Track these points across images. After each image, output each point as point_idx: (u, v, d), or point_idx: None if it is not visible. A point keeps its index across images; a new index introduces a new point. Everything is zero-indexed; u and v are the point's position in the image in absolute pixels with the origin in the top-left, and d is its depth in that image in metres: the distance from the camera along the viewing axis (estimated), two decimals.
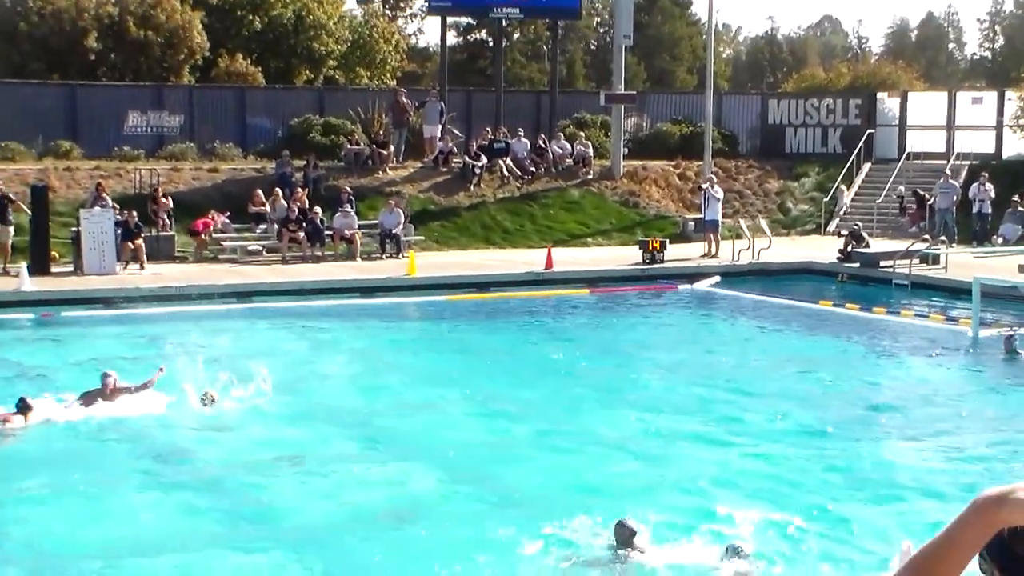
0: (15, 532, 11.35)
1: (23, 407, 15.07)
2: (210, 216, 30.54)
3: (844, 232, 32.00)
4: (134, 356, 19.12)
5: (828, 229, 37.29)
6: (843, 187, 38.71)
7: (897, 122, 41.60)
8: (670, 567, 10.38)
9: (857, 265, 29.32)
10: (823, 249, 32.03)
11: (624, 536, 10.64)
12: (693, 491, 12.35)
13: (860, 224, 32.16)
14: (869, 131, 40.71)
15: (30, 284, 24.78)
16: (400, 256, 30.52)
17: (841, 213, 38.04)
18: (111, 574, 10.22)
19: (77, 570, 10.27)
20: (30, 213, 27.76)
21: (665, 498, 12.11)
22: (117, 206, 28.91)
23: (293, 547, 10.87)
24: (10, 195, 28.23)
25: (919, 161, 38.84)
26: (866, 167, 40.24)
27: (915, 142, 39.94)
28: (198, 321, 23.31)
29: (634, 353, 21.05)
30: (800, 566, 10.37)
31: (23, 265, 25.71)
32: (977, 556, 3.51)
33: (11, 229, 27.80)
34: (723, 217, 33.29)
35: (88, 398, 15.44)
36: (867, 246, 30.36)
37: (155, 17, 45.57)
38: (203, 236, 29.96)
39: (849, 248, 30.11)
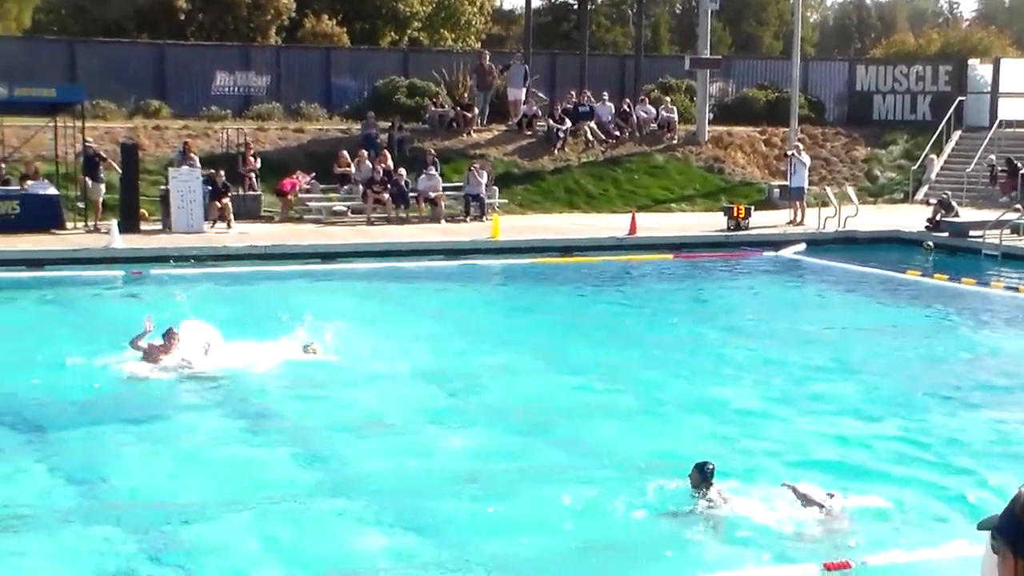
0: (113, 476, 11.55)
1: (169, 337, 15.60)
2: (296, 176, 30.77)
3: (932, 201, 31.56)
4: (221, 313, 19.32)
5: (916, 198, 36.84)
6: (932, 155, 38.19)
7: (989, 89, 40.99)
8: (750, 516, 10.43)
9: (946, 234, 28.93)
10: (911, 218, 31.63)
11: (697, 479, 10.74)
12: (774, 456, 12.27)
13: (949, 193, 31.71)
14: (960, 98, 40.15)
15: (120, 241, 25.13)
16: (484, 219, 30.58)
17: (930, 182, 37.54)
18: (197, 524, 10.36)
19: (165, 518, 10.42)
20: (120, 171, 28.13)
21: (744, 461, 12.05)
22: (201, 165, 29.20)
23: (375, 506, 10.95)
24: (102, 153, 28.64)
25: (1011, 129, 38.26)
26: (956, 135, 39.68)
27: (1007, 110, 39.33)
28: (283, 280, 23.54)
29: (716, 319, 20.94)
30: (881, 536, 10.29)
31: (114, 222, 26.08)
32: (988, 535, 3.47)
33: (102, 187, 28.23)
34: (809, 184, 32.99)
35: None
36: (956, 215, 29.94)
37: None
38: (289, 196, 30.20)
39: (938, 217, 29.71)
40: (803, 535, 10.28)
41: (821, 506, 10.56)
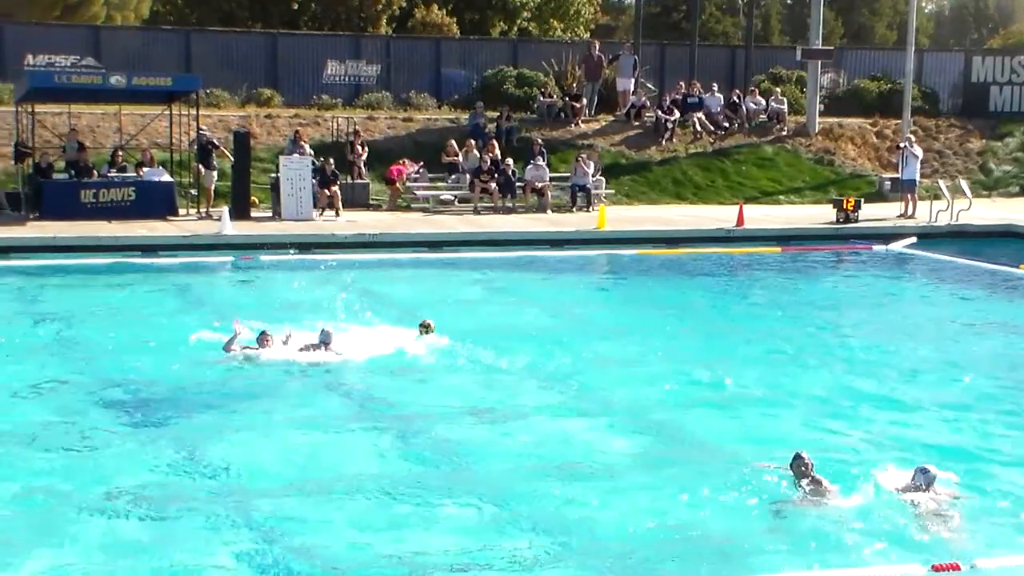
0: (217, 460, 11.77)
1: (262, 340, 15.65)
2: (402, 163, 30.97)
3: None
4: (329, 301, 19.55)
5: None
6: None
7: None
8: (852, 509, 10.41)
9: None
10: None
11: (799, 469, 10.73)
12: (880, 450, 12.13)
13: None
14: None
15: (231, 228, 25.52)
16: (590, 209, 30.56)
17: None
18: (297, 512, 10.50)
19: (268, 504, 10.59)
20: (232, 159, 28.57)
21: (849, 454, 11.93)
22: (312, 152, 29.54)
23: (476, 495, 11.01)
24: (214, 140, 29.11)
25: None
26: None
27: None
28: (392, 269, 23.76)
29: (823, 313, 20.72)
30: (992, 537, 10.14)
31: (225, 209, 26.49)
32: None
33: (215, 174, 28.72)
34: (921, 177, 32.49)
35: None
36: None
37: None
38: (396, 184, 30.41)
39: None
40: (910, 531, 10.16)
41: (924, 489, 10.48)
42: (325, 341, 15.72)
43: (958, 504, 10.59)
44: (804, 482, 10.71)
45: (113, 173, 27.78)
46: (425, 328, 16.58)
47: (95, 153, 29.08)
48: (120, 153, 28.54)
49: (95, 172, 27.68)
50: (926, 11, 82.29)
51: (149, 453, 11.99)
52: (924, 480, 10.65)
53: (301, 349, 15.70)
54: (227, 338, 15.75)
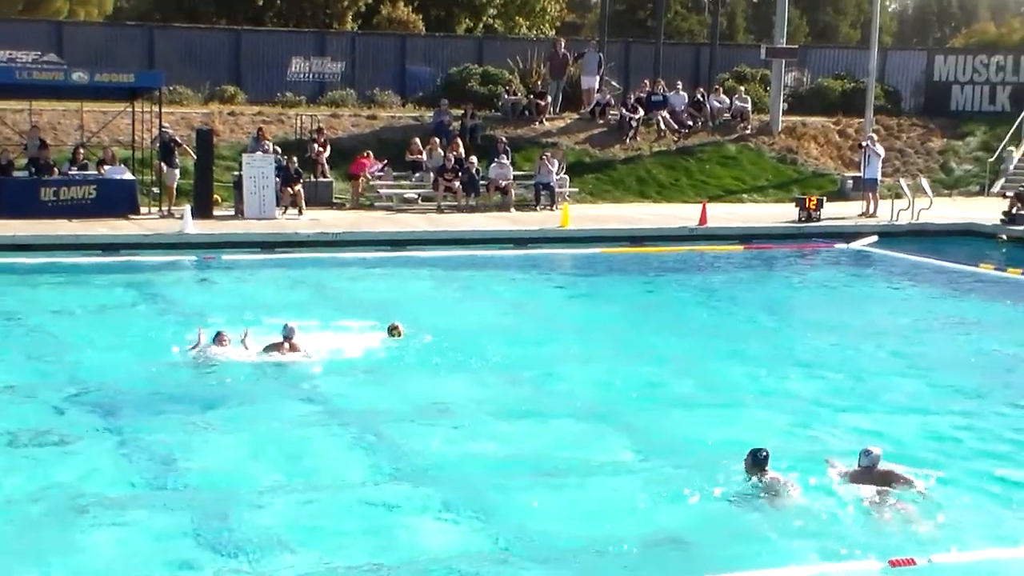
0: (179, 460, 11.73)
1: (218, 341, 15.57)
2: (366, 155, 30.85)
3: (1010, 194, 31.10)
4: (292, 300, 19.53)
5: (993, 190, 36.36)
6: (1011, 147, 37.65)
7: None
8: (812, 506, 10.54)
9: (1022, 228, 28.54)
10: (986, 211, 31.26)
11: (750, 465, 10.90)
12: (840, 447, 12.21)
13: None
14: None
15: (193, 227, 25.40)
16: (554, 208, 30.59)
17: (1007, 174, 37.02)
18: (266, 511, 10.49)
19: (232, 505, 10.57)
20: (195, 156, 28.44)
21: (809, 451, 12.01)
22: (278, 150, 29.46)
23: (439, 494, 11.02)
24: (177, 138, 28.98)
25: None
26: None
27: None
28: (354, 268, 23.72)
29: (786, 311, 20.85)
30: (950, 533, 10.23)
31: (187, 208, 26.36)
32: None
33: (177, 172, 28.58)
34: (883, 176, 32.69)
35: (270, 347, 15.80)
36: None
37: None
38: (360, 178, 30.30)
39: (1014, 210, 29.32)
40: (867, 527, 10.24)
41: (871, 469, 10.80)
42: (288, 336, 15.66)
43: (916, 499, 10.69)
44: (762, 477, 10.80)
45: (74, 171, 27.60)
46: (394, 331, 16.59)
47: (56, 150, 28.90)
48: (82, 150, 28.36)
49: (56, 170, 27.50)
50: (890, 10, 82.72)
51: (104, 454, 11.95)
52: (868, 460, 10.93)
53: (266, 348, 15.64)
54: (192, 343, 15.70)
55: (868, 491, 10.73)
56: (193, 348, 15.61)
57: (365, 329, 16.87)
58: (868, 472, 10.93)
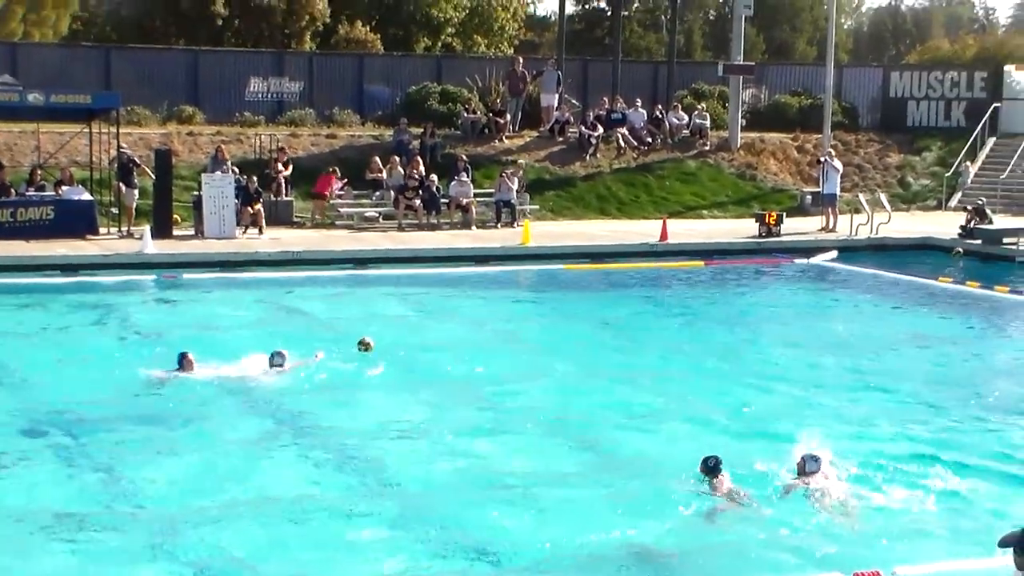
0: (138, 481, 11.64)
1: (184, 363, 15.51)
2: (332, 170, 30.77)
3: (968, 208, 31.35)
4: (255, 319, 19.44)
5: (950, 205, 36.68)
6: (967, 162, 37.98)
7: None
8: (773, 519, 10.64)
9: (979, 242, 28.78)
10: (944, 225, 31.52)
11: (704, 471, 11.23)
12: (791, 456, 12.25)
13: (984, 200, 31.58)
14: (995, 104, 39.99)
15: (153, 247, 25.25)
16: (515, 225, 30.60)
17: (964, 188, 37.33)
18: (218, 528, 10.44)
19: (194, 526, 10.50)
20: (154, 177, 28.28)
21: (770, 465, 12.03)
22: (237, 170, 29.33)
23: (404, 512, 11.00)
24: (135, 159, 28.80)
25: None
26: (991, 142, 39.52)
27: None
28: (315, 287, 23.64)
29: (747, 326, 20.90)
30: (910, 546, 10.27)
31: (146, 228, 26.19)
32: (1012, 551, 3.51)
33: (136, 192, 28.38)
34: (841, 191, 32.90)
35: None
36: (991, 223, 29.78)
37: None
38: (327, 196, 30.16)
39: (971, 224, 29.56)
40: (829, 539, 10.27)
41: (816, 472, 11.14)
42: (278, 364, 15.68)
43: (878, 511, 10.75)
44: (712, 483, 11.01)
45: (31, 192, 27.39)
46: (364, 345, 16.60)
47: (13, 172, 28.65)
48: (39, 172, 28.16)
49: (13, 191, 27.28)
50: (845, 27, 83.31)
51: (64, 475, 11.87)
52: (816, 466, 11.26)
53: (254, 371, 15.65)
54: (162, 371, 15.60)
55: (826, 496, 10.84)
56: (177, 371, 15.51)
57: (328, 346, 16.80)
58: (813, 476, 11.16)
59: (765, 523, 10.57)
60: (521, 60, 38.74)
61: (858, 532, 10.46)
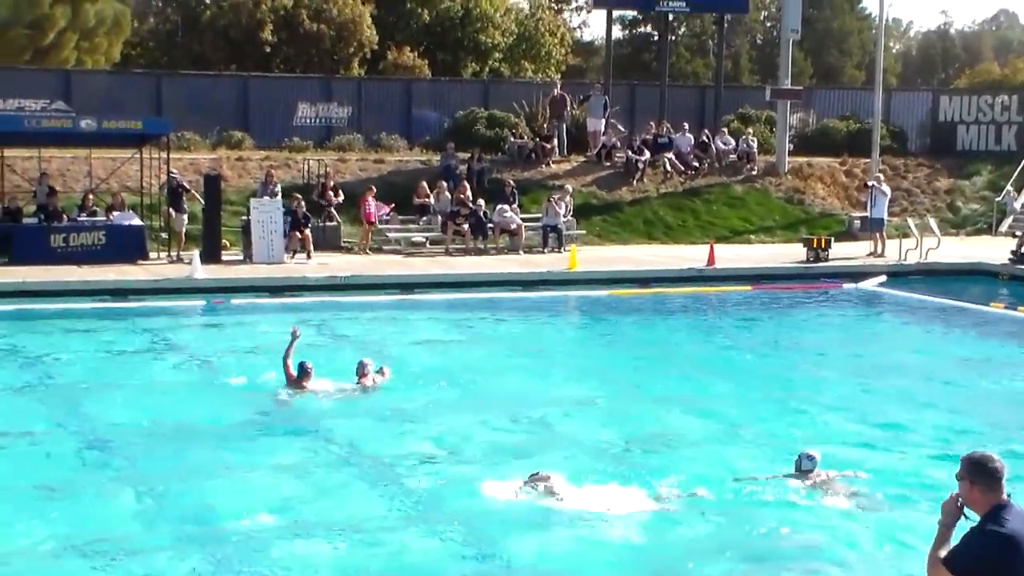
0: (188, 499, 11.73)
1: (303, 373, 15.97)
2: (368, 187, 30.82)
3: (1018, 233, 31.07)
4: (302, 343, 19.50)
5: (1000, 229, 36.37)
6: (1012, 188, 37.70)
7: None
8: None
9: None
10: (994, 250, 31.24)
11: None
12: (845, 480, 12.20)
13: None
14: None
15: (202, 272, 25.44)
16: (562, 250, 30.61)
17: (1015, 213, 37.03)
18: (266, 547, 10.50)
19: (226, 536, 10.57)
20: (203, 202, 28.54)
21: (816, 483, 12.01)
22: (280, 195, 29.44)
23: (446, 536, 11.01)
24: (185, 184, 29.06)
25: None
26: None
27: None
28: (363, 311, 23.73)
29: (796, 351, 20.81)
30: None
31: (195, 253, 26.41)
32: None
33: (185, 217, 28.62)
34: (890, 216, 32.73)
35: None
36: None
37: (327, 11, 46.59)
38: (373, 221, 30.21)
39: (1022, 249, 29.32)
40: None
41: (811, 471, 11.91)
42: (361, 373, 16.16)
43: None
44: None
45: (83, 217, 27.72)
46: (380, 373, 16.67)
47: (65, 197, 28.98)
48: (90, 197, 28.50)
49: (65, 216, 27.60)
50: (894, 51, 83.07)
51: (121, 495, 11.97)
52: (810, 464, 12.03)
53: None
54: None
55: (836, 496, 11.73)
56: (289, 349, 16.10)
57: (373, 370, 16.85)
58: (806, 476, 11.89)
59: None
60: (559, 83, 38.90)
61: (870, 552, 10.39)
